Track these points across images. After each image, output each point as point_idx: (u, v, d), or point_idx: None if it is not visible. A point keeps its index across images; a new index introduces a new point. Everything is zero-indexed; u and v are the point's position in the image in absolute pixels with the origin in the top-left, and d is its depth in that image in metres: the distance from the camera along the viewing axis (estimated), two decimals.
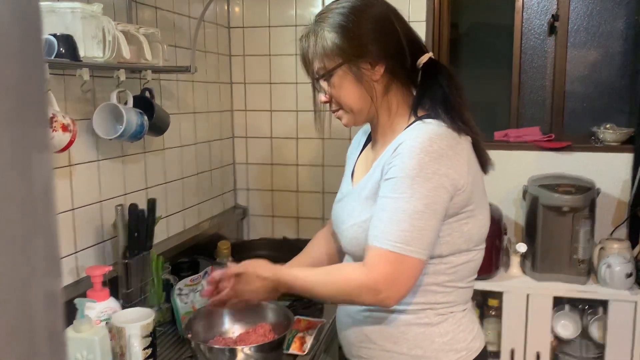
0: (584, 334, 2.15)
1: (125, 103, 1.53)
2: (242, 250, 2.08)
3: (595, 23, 2.46)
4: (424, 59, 1.14)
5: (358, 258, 1.16)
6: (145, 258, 1.55)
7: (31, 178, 0.35)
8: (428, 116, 1.12)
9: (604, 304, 2.08)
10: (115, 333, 1.26)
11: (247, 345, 1.28)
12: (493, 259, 2.13)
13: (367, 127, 1.31)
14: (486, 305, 2.22)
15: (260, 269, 1.18)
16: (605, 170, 2.28)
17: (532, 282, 2.14)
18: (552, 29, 2.47)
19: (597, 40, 2.47)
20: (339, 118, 1.20)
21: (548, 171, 2.29)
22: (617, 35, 2.46)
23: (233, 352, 1.26)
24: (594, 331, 2.12)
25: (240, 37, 2.37)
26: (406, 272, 1.03)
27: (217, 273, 1.22)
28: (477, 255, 1.16)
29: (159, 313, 1.58)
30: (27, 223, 0.36)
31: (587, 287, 2.10)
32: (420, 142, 1.04)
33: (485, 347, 1.21)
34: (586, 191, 2.08)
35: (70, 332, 1.19)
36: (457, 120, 1.10)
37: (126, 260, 1.49)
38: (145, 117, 1.53)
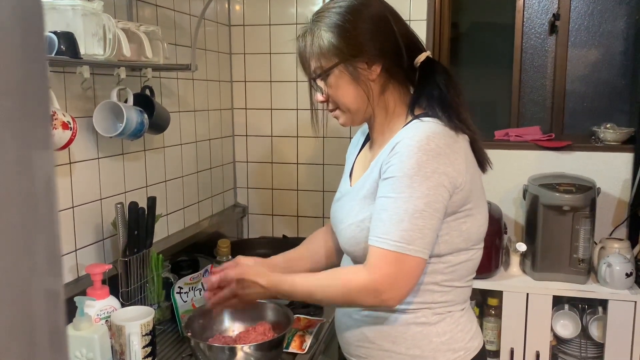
0: (584, 333, 2.15)
1: (126, 101, 1.53)
2: (242, 249, 2.08)
3: (596, 22, 2.46)
4: (421, 57, 1.14)
5: (356, 257, 1.16)
6: (145, 256, 1.55)
7: (33, 175, 0.35)
8: (425, 115, 1.11)
9: (603, 303, 2.08)
10: (115, 331, 1.26)
11: (246, 344, 1.28)
12: (493, 258, 2.13)
13: (365, 127, 1.31)
14: (486, 305, 2.23)
15: (258, 277, 1.16)
16: (605, 170, 2.28)
17: (531, 282, 2.14)
18: (552, 29, 2.47)
19: (597, 39, 2.47)
20: (336, 117, 1.20)
21: (548, 170, 2.29)
22: (618, 35, 2.46)
23: (233, 351, 1.26)
24: (594, 330, 2.12)
25: (240, 35, 2.37)
26: (408, 271, 1.03)
27: (215, 278, 1.20)
28: (476, 255, 1.16)
29: (159, 311, 1.58)
30: (29, 221, 0.35)
31: (587, 286, 2.10)
32: (418, 140, 1.04)
33: (483, 347, 1.21)
34: (586, 190, 2.08)
35: (69, 330, 1.19)
36: (454, 118, 1.09)
37: (126, 259, 1.49)
38: (146, 115, 1.53)
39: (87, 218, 1.50)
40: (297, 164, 2.40)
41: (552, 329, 2.13)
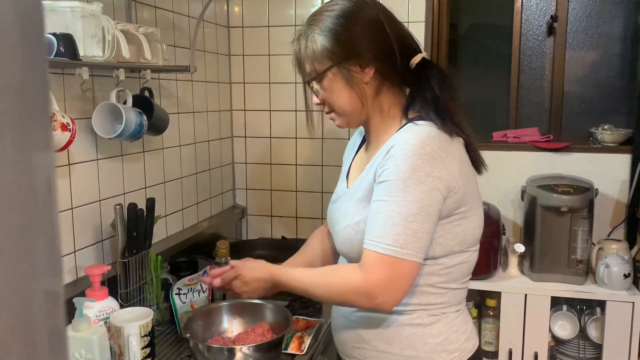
0: (582, 334, 2.15)
1: (125, 102, 1.53)
2: (241, 250, 2.08)
3: (594, 24, 2.46)
4: (416, 59, 1.14)
5: (352, 259, 1.16)
6: (144, 257, 1.55)
7: (33, 176, 0.35)
8: (419, 118, 1.11)
9: (601, 304, 2.09)
10: (114, 332, 1.26)
11: (245, 345, 1.29)
12: (491, 259, 2.14)
13: (362, 128, 1.31)
14: (484, 305, 2.23)
15: (257, 271, 1.19)
16: (603, 171, 2.28)
17: (530, 282, 2.15)
18: (550, 30, 2.48)
19: (595, 41, 2.48)
20: (332, 120, 1.21)
21: (546, 172, 2.30)
22: (616, 37, 2.46)
23: (231, 352, 1.26)
24: (592, 331, 2.13)
25: (239, 36, 2.37)
26: (402, 275, 1.03)
27: (216, 271, 1.24)
28: (471, 257, 1.16)
29: (158, 312, 1.58)
30: (29, 221, 0.36)
31: (585, 287, 2.10)
32: (413, 144, 1.04)
33: (479, 348, 1.22)
34: (584, 192, 2.08)
35: (68, 331, 1.19)
36: (447, 121, 1.09)
37: (125, 260, 1.49)
38: (145, 117, 1.53)
39: (86, 219, 1.50)
40: (296, 165, 2.40)
41: (550, 330, 2.13)
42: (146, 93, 1.66)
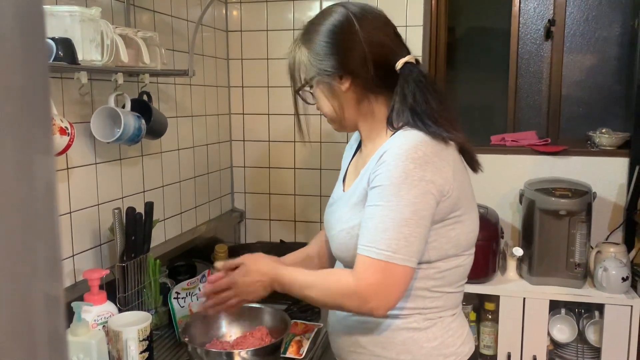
0: (580, 337, 2.15)
1: (123, 106, 1.54)
2: (239, 254, 2.06)
3: (591, 28, 2.47)
4: (399, 64, 1.14)
5: (347, 264, 1.17)
6: (142, 261, 1.55)
7: (33, 180, 0.35)
8: (407, 124, 1.11)
9: (600, 307, 2.09)
10: (112, 337, 1.26)
11: (244, 349, 1.28)
12: (490, 262, 2.14)
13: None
14: (483, 309, 2.23)
15: (259, 263, 1.20)
16: (601, 175, 2.29)
17: (528, 286, 2.15)
18: (548, 34, 2.49)
19: (593, 45, 2.49)
20: (330, 124, 1.26)
21: (544, 175, 2.30)
22: (613, 41, 2.47)
23: (230, 356, 1.26)
24: (590, 335, 2.12)
25: (238, 40, 2.38)
26: (394, 280, 1.03)
27: (213, 277, 1.23)
28: (466, 261, 1.16)
29: (156, 317, 1.58)
30: (29, 225, 0.36)
31: (584, 290, 2.10)
32: (405, 149, 1.05)
33: (475, 352, 1.21)
34: (582, 195, 2.08)
35: (67, 335, 1.18)
36: (430, 126, 1.09)
37: (123, 264, 1.49)
38: (143, 121, 1.53)
39: (84, 223, 1.50)
40: (295, 168, 2.40)
41: (548, 334, 2.13)
42: (145, 97, 1.67)
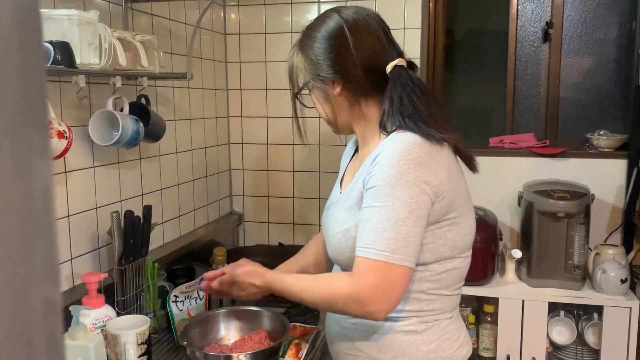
0: (579, 339, 2.15)
1: (121, 110, 1.53)
2: (238, 257, 2.05)
3: (589, 30, 2.48)
4: (389, 67, 1.14)
5: (343, 266, 1.17)
6: (141, 265, 1.55)
7: (31, 183, 0.35)
8: (399, 127, 1.11)
9: (599, 309, 2.09)
10: (111, 340, 1.26)
11: (242, 352, 1.28)
12: (488, 264, 2.14)
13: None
14: (482, 311, 2.23)
15: (252, 277, 1.20)
16: (599, 177, 2.29)
17: (527, 288, 2.15)
18: (546, 36, 2.49)
19: (590, 47, 2.49)
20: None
21: (543, 177, 2.30)
22: (611, 43, 2.48)
23: (229, 359, 1.25)
24: (589, 337, 2.12)
25: (236, 43, 2.38)
26: (394, 281, 1.03)
27: (210, 274, 1.26)
28: (463, 263, 1.16)
29: (155, 320, 1.58)
30: (26, 229, 0.35)
31: (582, 292, 2.10)
32: (399, 151, 1.05)
33: (472, 355, 1.21)
34: (581, 197, 2.09)
35: (65, 339, 1.18)
36: (422, 127, 1.09)
37: (121, 267, 1.48)
38: (141, 124, 1.53)
39: (82, 227, 1.50)
40: (293, 171, 2.40)
41: (547, 336, 2.13)
42: (143, 100, 1.66)
